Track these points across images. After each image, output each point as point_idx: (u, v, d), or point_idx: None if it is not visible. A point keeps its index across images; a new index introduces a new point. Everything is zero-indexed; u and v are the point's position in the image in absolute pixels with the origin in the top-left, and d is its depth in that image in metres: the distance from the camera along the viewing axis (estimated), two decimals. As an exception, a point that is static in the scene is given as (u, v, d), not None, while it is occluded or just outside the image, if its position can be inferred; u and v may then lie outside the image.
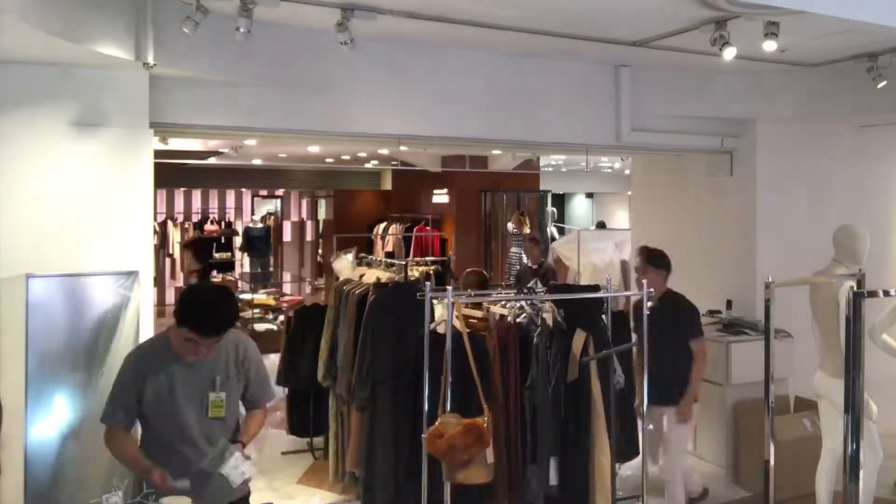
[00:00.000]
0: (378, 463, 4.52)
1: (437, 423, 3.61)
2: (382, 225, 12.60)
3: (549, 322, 4.14)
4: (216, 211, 15.82)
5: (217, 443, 2.97)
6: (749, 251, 6.26)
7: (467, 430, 3.50)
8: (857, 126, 6.55)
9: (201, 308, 2.87)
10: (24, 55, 3.99)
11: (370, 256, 6.72)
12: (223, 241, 14.94)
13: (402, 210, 13.13)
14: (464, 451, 3.49)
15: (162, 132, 4.95)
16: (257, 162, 12.70)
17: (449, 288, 3.86)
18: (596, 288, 4.56)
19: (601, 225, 13.94)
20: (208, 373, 2.96)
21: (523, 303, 4.22)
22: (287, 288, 15.11)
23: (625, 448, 4.80)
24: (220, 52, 4.51)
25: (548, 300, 4.23)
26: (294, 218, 16.81)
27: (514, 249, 11.12)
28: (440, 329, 3.99)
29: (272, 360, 8.98)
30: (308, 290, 14.73)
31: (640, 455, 4.45)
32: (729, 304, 6.24)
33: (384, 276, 5.45)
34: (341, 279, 5.75)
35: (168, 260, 14.79)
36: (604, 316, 4.41)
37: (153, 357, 2.99)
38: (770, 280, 3.83)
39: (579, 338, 4.03)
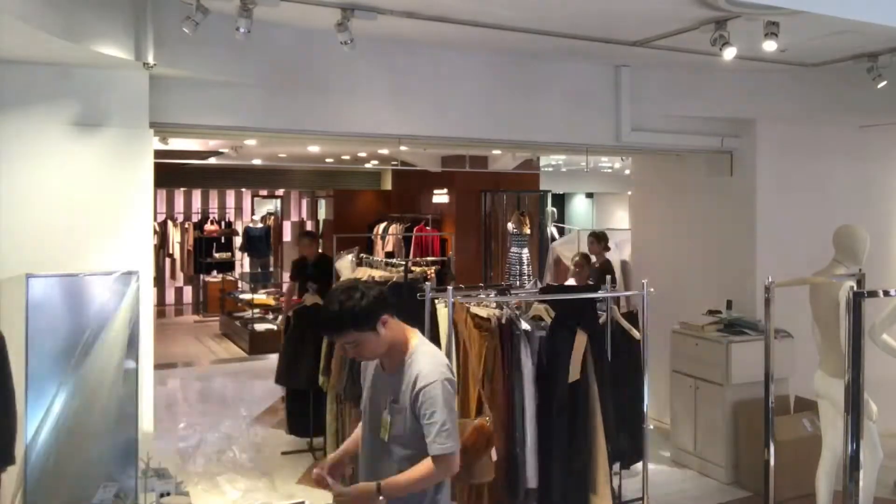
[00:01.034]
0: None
1: None
2: (382, 225, 12.60)
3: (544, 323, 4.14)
4: (216, 211, 15.82)
5: (381, 465, 2.77)
6: (749, 251, 6.26)
7: (477, 432, 3.50)
8: (857, 126, 6.56)
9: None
10: (24, 55, 3.99)
11: (371, 257, 6.72)
12: (223, 241, 14.94)
13: (402, 210, 13.13)
14: (475, 454, 3.49)
15: (162, 132, 4.96)
16: (257, 162, 12.69)
17: (449, 288, 3.86)
18: (595, 288, 4.57)
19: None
20: (388, 390, 2.77)
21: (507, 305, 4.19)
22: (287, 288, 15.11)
23: (628, 449, 4.76)
24: (220, 52, 4.51)
25: (545, 300, 4.23)
26: (294, 218, 16.81)
27: (514, 249, 11.13)
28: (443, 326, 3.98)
29: (273, 360, 8.97)
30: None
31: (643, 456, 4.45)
32: (729, 304, 6.24)
33: (377, 273, 5.45)
34: (342, 279, 5.75)
35: (168, 260, 14.79)
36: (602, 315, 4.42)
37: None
38: (770, 280, 3.83)
39: (581, 339, 4.02)
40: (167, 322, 14.07)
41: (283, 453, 6.25)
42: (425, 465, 2.66)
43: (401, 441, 2.71)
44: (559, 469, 3.99)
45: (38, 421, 4.03)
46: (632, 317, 4.92)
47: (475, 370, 3.90)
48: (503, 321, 4.14)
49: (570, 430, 4.03)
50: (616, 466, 4.23)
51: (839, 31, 4.54)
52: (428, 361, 2.71)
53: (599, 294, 4.45)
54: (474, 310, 4.14)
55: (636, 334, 4.32)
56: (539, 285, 6.68)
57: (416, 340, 2.79)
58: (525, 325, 4.14)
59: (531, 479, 3.98)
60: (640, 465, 4.66)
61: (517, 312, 4.18)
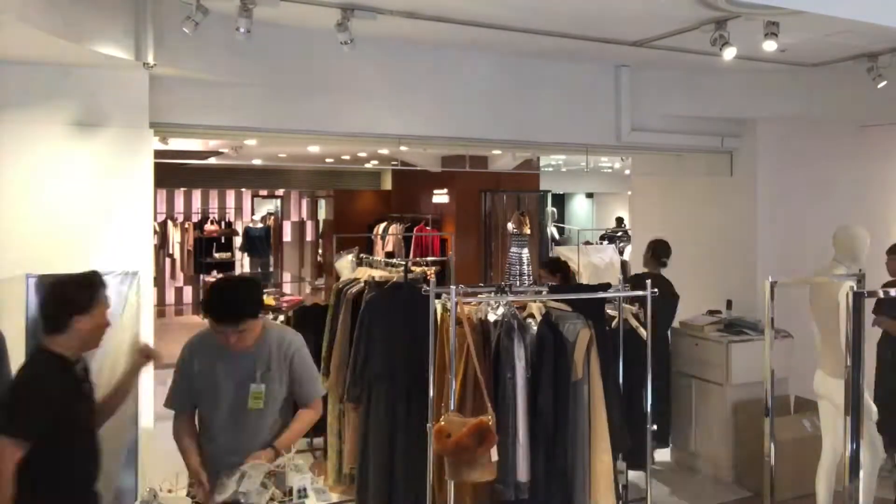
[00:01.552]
0: (372, 461, 4.53)
1: (441, 422, 3.61)
2: (382, 225, 12.60)
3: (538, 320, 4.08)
4: (216, 211, 15.81)
5: (258, 435, 3.07)
6: (749, 251, 6.26)
7: (476, 430, 3.50)
8: (858, 126, 6.56)
9: (211, 296, 3.03)
10: (24, 55, 3.99)
11: (371, 256, 6.70)
12: (223, 241, 14.93)
13: (402, 210, 13.12)
14: (473, 452, 3.49)
15: (162, 132, 4.96)
16: (257, 162, 12.69)
17: (452, 287, 3.85)
18: (606, 287, 4.55)
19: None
20: (251, 365, 3.05)
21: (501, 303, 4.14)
22: (287, 288, 15.11)
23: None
24: (220, 52, 4.51)
25: (557, 299, 4.20)
26: (294, 218, 16.81)
27: (513, 249, 11.13)
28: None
29: (272, 360, 8.91)
30: (308, 290, 14.74)
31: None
32: (729, 304, 6.24)
33: (377, 273, 5.44)
34: (342, 279, 5.74)
35: (168, 260, 14.79)
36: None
37: (204, 346, 3.12)
38: (771, 280, 3.83)
39: (584, 335, 4.00)
40: (167, 322, 14.06)
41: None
42: (313, 412, 3.18)
43: (275, 404, 3.08)
44: (547, 467, 3.94)
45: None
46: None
47: (473, 367, 3.88)
48: (488, 319, 4.04)
49: (571, 428, 3.99)
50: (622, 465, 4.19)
51: (839, 31, 4.54)
52: (284, 329, 3.27)
53: (609, 293, 4.44)
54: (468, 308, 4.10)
55: (643, 333, 4.32)
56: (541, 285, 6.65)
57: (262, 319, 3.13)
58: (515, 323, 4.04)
59: (522, 472, 3.92)
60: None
61: (513, 311, 4.12)
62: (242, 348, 3.01)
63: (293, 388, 3.13)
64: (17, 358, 3.86)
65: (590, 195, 18.47)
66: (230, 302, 2.98)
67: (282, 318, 10.82)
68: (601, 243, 12.20)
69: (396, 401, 4.48)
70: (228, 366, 3.05)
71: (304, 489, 2.95)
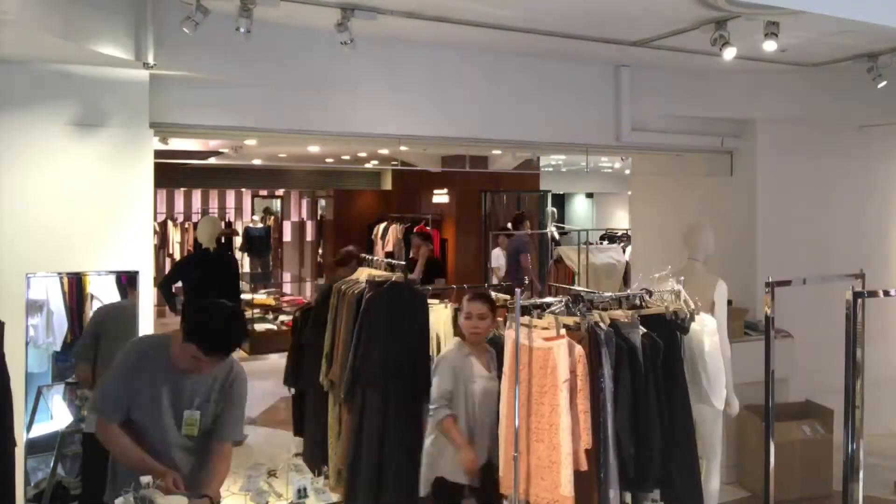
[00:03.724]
0: (363, 461, 4.52)
1: None
2: (382, 225, 12.60)
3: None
4: (216, 211, 15.82)
5: (189, 457, 2.96)
6: (749, 251, 6.26)
7: None
8: (858, 126, 6.56)
9: (215, 324, 2.83)
10: (24, 55, 3.99)
11: (370, 257, 6.70)
12: (223, 240, 14.92)
13: (402, 210, 13.12)
14: None
15: (162, 132, 4.95)
16: (257, 162, 12.68)
17: (518, 291, 3.60)
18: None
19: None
20: (192, 389, 2.92)
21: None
22: (287, 288, 15.11)
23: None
24: (220, 52, 4.51)
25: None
26: (294, 218, 16.81)
27: (514, 249, 11.12)
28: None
29: (273, 361, 8.97)
30: (309, 290, 14.73)
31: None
32: (729, 304, 6.23)
33: (375, 272, 5.43)
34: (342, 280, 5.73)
35: (168, 260, 14.79)
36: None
37: (152, 357, 2.92)
38: (770, 280, 3.83)
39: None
40: (167, 322, 14.05)
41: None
42: (229, 453, 2.94)
43: (205, 433, 2.93)
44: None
45: (38, 422, 4.03)
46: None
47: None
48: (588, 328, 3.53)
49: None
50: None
51: (839, 31, 4.54)
52: (234, 360, 2.96)
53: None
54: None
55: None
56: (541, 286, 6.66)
57: None
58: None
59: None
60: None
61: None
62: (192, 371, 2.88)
63: (216, 419, 2.94)
64: (17, 358, 3.88)
65: (590, 195, 18.47)
66: (237, 332, 2.89)
67: (282, 317, 10.82)
68: (601, 243, 12.19)
69: (389, 400, 4.47)
70: (174, 385, 2.90)
71: (304, 489, 2.96)
